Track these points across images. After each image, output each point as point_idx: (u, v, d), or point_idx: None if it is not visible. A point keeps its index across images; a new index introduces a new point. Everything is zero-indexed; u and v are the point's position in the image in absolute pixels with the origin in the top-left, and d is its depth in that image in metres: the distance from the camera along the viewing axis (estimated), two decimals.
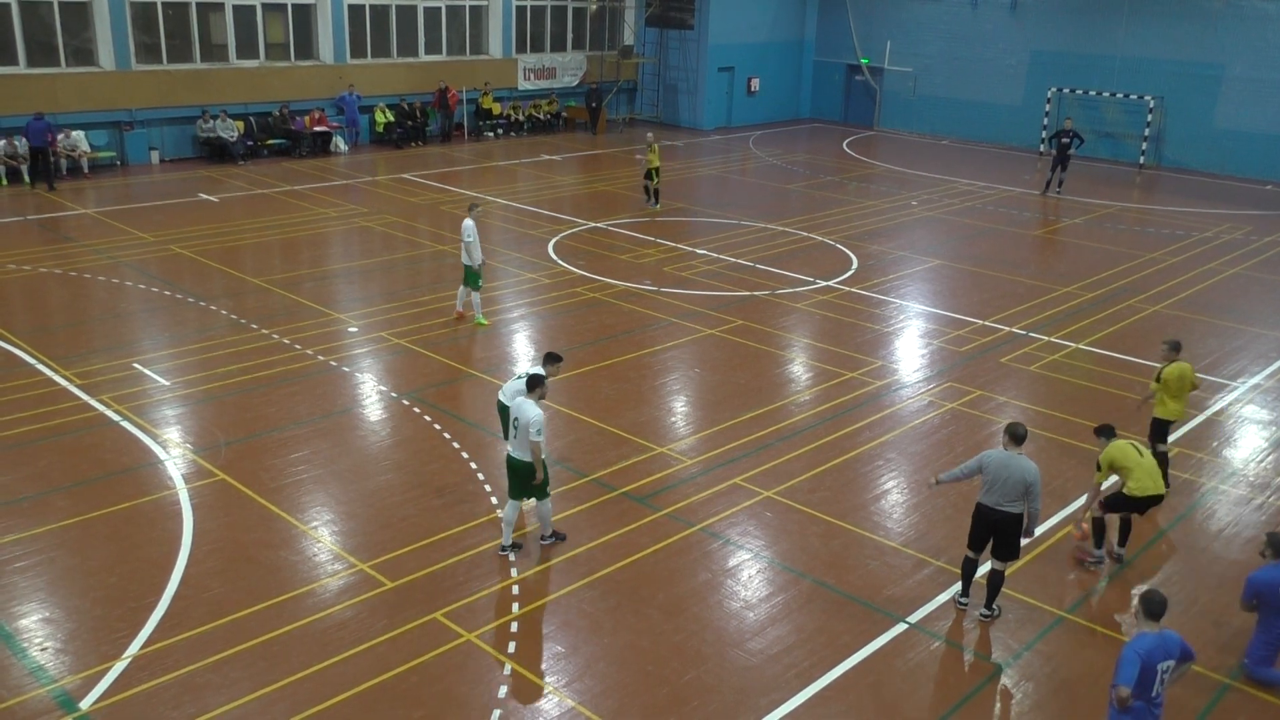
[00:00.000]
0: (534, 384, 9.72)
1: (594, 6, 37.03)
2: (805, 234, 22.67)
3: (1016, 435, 9.03)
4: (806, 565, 10.02)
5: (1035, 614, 9.41)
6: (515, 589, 9.40)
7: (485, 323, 16.17)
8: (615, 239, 21.61)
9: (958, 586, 9.55)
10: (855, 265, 20.26)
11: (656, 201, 24.35)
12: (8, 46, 24.89)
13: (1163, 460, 11.37)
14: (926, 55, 37.09)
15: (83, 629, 8.63)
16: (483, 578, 9.55)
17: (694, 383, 14.51)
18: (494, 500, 10.87)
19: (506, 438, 10.01)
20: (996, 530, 9.09)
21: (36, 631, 8.59)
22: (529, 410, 9.47)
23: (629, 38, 38.11)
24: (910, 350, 16.07)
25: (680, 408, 13.72)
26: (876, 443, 12.71)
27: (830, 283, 19.08)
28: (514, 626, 8.89)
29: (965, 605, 9.44)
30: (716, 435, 12.70)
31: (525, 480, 9.73)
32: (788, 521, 10.78)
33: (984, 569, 9.44)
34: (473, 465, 11.65)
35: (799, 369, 15.19)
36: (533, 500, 10.10)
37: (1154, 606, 6.82)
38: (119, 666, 8.15)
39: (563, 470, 11.64)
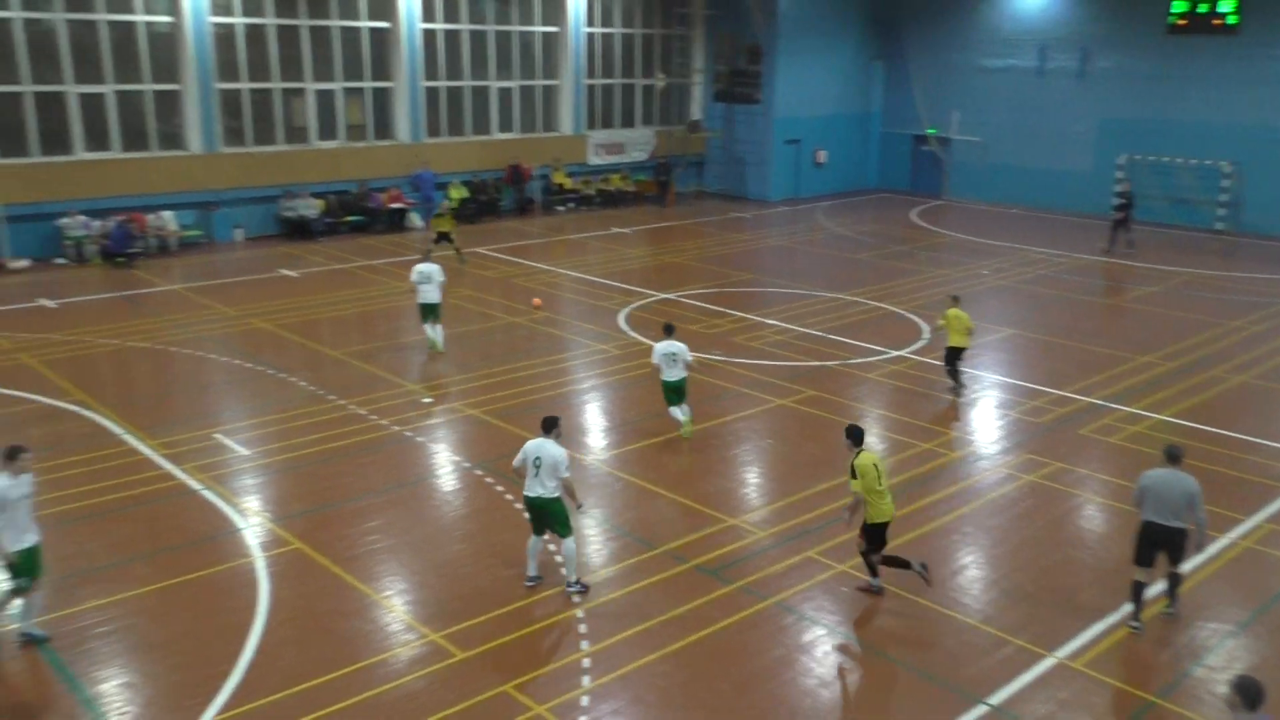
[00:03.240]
0: (552, 425, 10.42)
1: (662, 84, 37.74)
2: (875, 304, 22.55)
3: (1173, 455, 9.77)
4: (883, 642, 9.78)
5: (1123, 698, 9.05)
6: (586, 662, 9.31)
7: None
8: (685, 310, 21.72)
9: (1040, 667, 9.25)
10: (927, 335, 20.06)
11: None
12: (104, 133, 26.12)
13: None
14: (994, 124, 37.03)
15: (160, 695, 8.74)
16: (553, 650, 9.49)
17: (766, 454, 14.40)
18: (563, 572, 10.83)
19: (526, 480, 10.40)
20: (1165, 545, 9.73)
21: (116, 697, 8.72)
22: (553, 449, 10.20)
23: (696, 112, 38.71)
24: (985, 421, 15.79)
25: (752, 479, 13.61)
26: (953, 516, 12.44)
27: (902, 352, 18.90)
28: (584, 700, 8.80)
29: (1139, 629, 9.81)
30: (789, 507, 12.56)
31: (555, 516, 10.32)
32: (862, 597, 10.55)
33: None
34: (545, 537, 11.63)
35: (871, 440, 14.99)
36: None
37: (1251, 694, 6.48)
38: None
39: (633, 542, 11.58)
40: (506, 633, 9.72)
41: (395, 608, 10.21)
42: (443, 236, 25.31)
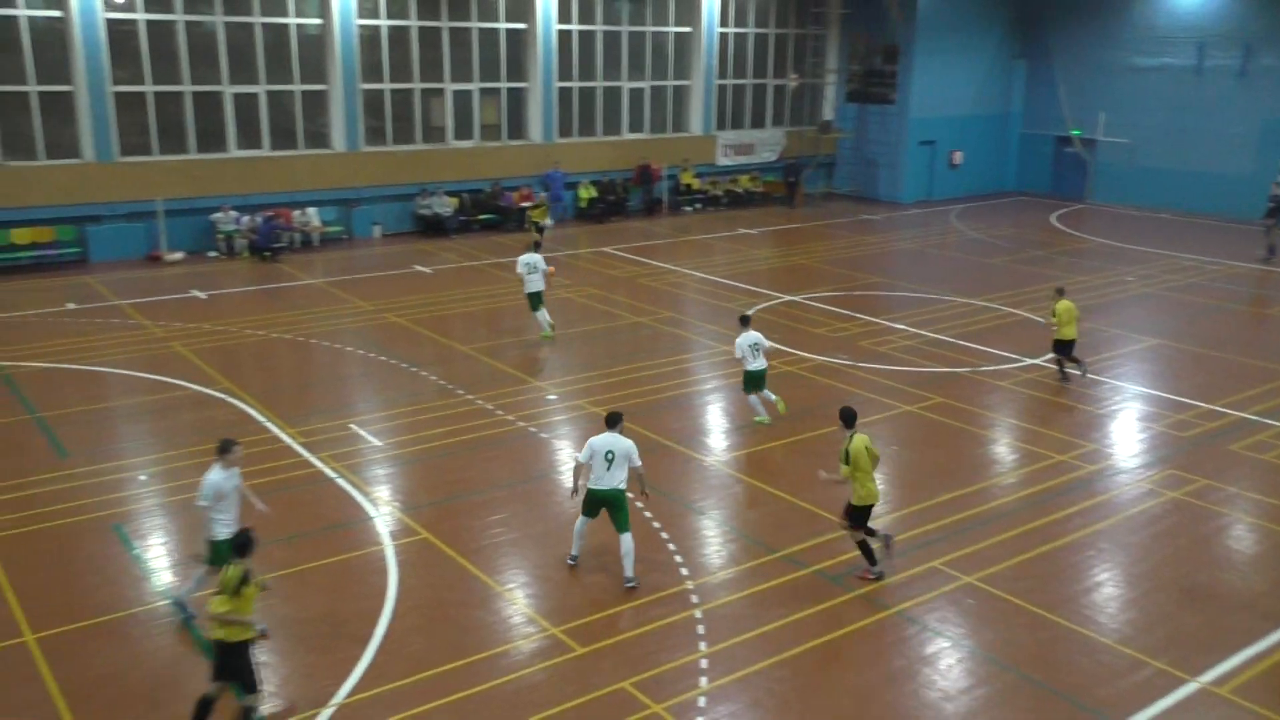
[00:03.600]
0: (616, 420, 10.76)
1: (794, 84, 37.41)
2: (1010, 310, 21.87)
3: None
4: (1010, 657, 9.48)
5: None
6: (704, 663, 9.30)
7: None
8: (811, 312, 21.48)
9: (1181, 691, 8.82)
10: None
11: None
12: (256, 132, 27.36)
13: None
14: (1145, 125, 35.45)
15: (295, 674, 9.09)
16: (672, 649, 9.50)
17: (891, 460, 14.13)
18: (684, 571, 10.85)
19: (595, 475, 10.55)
20: None
21: None
22: (624, 442, 10.58)
23: (828, 113, 38.25)
24: (1127, 434, 15.15)
25: (876, 485, 13.34)
26: (1089, 531, 11.97)
27: (1037, 360, 18.28)
28: (701, 701, 8.79)
29: None
30: (914, 515, 12.29)
31: (622, 508, 10.52)
32: (990, 610, 10.26)
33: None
34: (664, 535, 11.68)
35: (1003, 450, 14.56)
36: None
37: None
38: (325, 713, 8.53)
39: (753, 545, 11.52)
40: (625, 630, 9.79)
41: (518, 600, 10.39)
42: (537, 226, 26.40)
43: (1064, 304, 16.61)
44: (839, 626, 9.90)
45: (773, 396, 15.06)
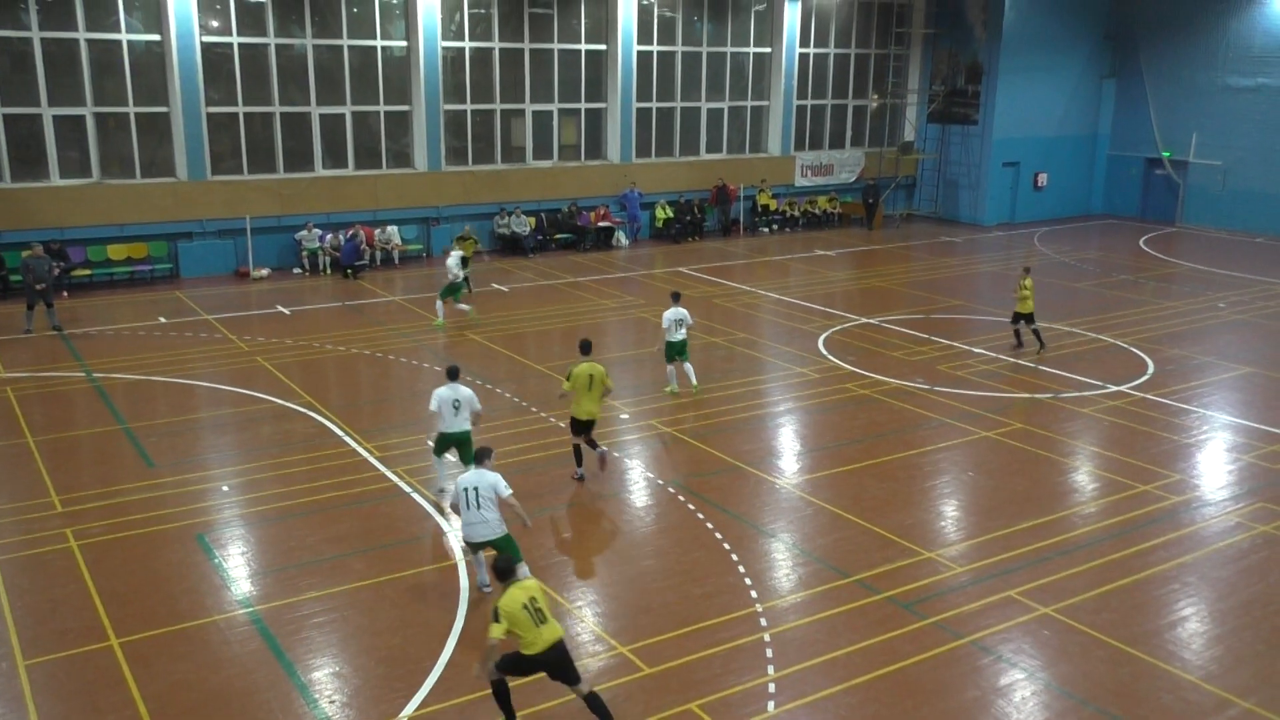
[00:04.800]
0: (455, 373, 12.82)
1: (875, 104, 37.14)
2: (1094, 335, 21.36)
3: None
4: (1089, 692, 9.21)
5: None
6: (771, 687, 9.21)
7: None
8: (888, 335, 21.23)
9: None
10: (1151, 370, 18.83)
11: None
12: (341, 152, 28.04)
13: None
14: (1238, 147, 34.44)
15: (366, 686, 9.23)
16: (739, 672, 9.43)
17: (967, 486, 13.88)
18: (754, 594, 10.77)
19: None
20: None
21: (327, 685, 9.28)
22: (465, 390, 12.63)
23: (909, 134, 37.87)
24: (1214, 465, 14.66)
25: (951, 512, 13.13)
26: (1173, 564, 11.60)
27: (1122, 388, 17.81)
28: None
29: None
30: (990, 544, 12.04)
31: (466, 443, 12.56)
32: (1068, 642, 9.98)
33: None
34: (734, 557, 11.61)
35: (1084, 478, 14.20)
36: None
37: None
38: None
39: (824, 569, 11.39)
40: (693, 651, 9.74)
41: (585, 618, 10.41)
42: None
43: (1029, 281, 19.73)
44: (911, 654, 9.73)
45: (691, 372, 17.05)
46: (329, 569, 11.18)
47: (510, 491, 10.14)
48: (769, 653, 9.73)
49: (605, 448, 13.94)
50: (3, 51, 23.74)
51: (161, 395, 17.10)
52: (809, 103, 35.93)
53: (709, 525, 12.42)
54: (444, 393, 12.48)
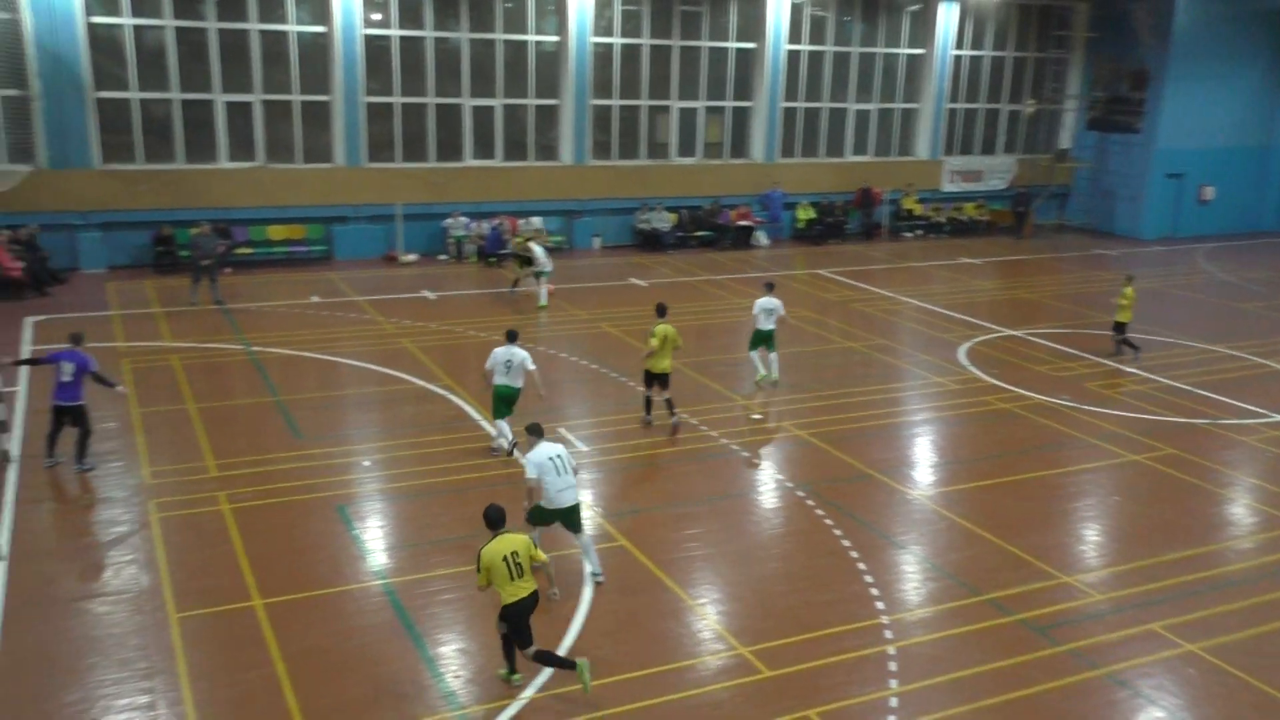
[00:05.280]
0: (515, 335, 14.07)
1: (1031, 110, 35.92)
2: (1260, 360, 20.18)
3: None
4: None
5: None
6: (894, 701, 9.03)
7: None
8: (1034, 349, 20.52)
9: None
10: None
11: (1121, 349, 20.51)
12: (490, 143, 28.71)
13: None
14: None
15: (490, 665, 9.41)
16: (862, 683, 9.27)
17: (1111, 511, 13.30)
18: (880, 605, 10.57)
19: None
20: None
21: (452, 660, 9.53)
22: (521, 351, 13.79)
23: (1065, 141, 36.49)
24: None
25: (1092, 536, 12.61)
26: None
27: None
28: None
29: None
30: (1133, 573, 11.51)
31: (515, 400, 13.92)
32: (1214, 683, 9.47)
33: None
34: (861, 566, 11.42)
35: (1240, 510, 13.44)
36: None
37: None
38: (514, 707, 8.81)
39: (955, 585, 11.10)
40: (814, 658, 9.63)
41: (708, 616, 10.40)
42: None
43: (1131, 290, 19.53)
44: (1042, 681, 9.39)
45: (774, 362, 17.28)
46: (459, 548, 11.45)
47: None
48: (893, 666, 9.54)
49: (681, 418, 15.27)
50: (183, 41, 25.12)
51: (311, 371, 17.84)
52: (960, 106, 34.99)
53: (836, 532, 12.25)
54: (500, 352, 13.82)
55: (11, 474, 13.04)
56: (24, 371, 16.27)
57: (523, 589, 8.69)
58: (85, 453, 13.24)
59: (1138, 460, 14.85)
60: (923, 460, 14.94)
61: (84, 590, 10.48)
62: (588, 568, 10.97)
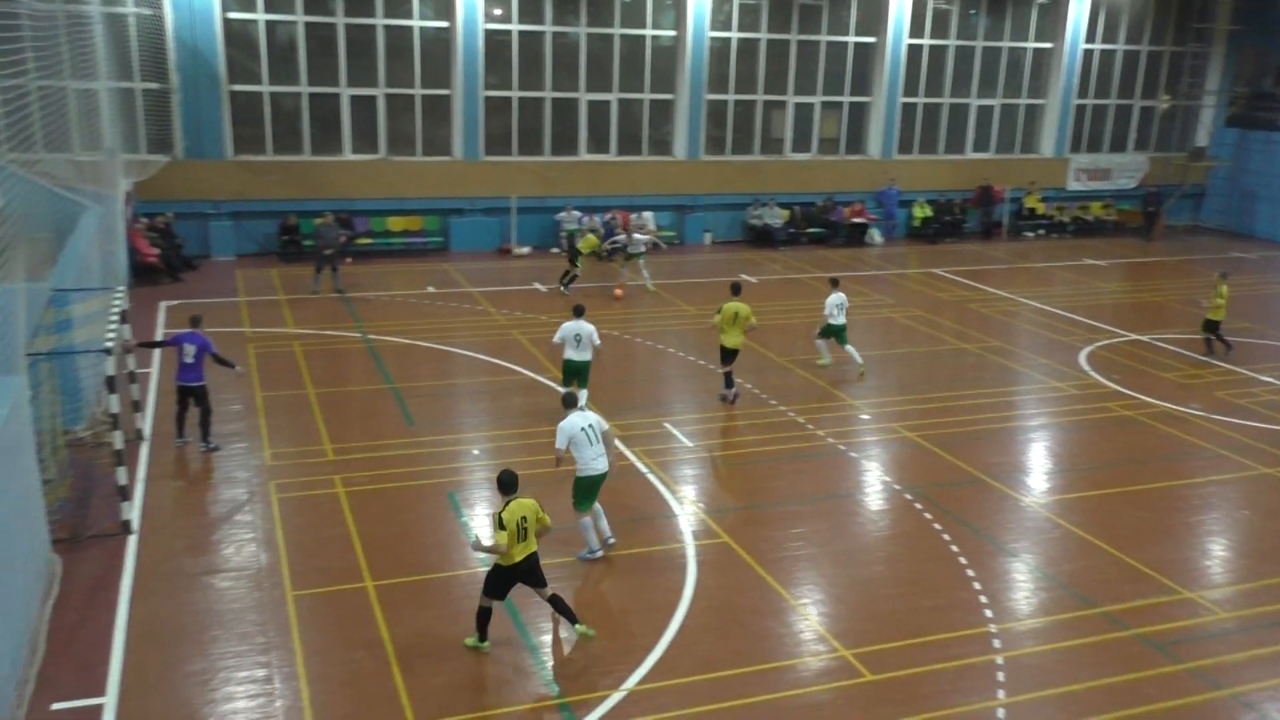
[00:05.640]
0: (581, 310, 14.87)
1: (1165, 106, 34.48)
2: None
3: None
4: None
5: None
6: (1000, 712, 8.80)
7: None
8: (1161, 355, 19.72)
9: None
10: None
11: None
12: (605, 137, 28.92)
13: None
14: None
15: (590, 657, 9.51)
16: (967, 692, 9.06)
17: (1240, 526, 12.70)
18: (988, 614, 10.31)
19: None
20: None
21: (555, 649, 9.64)
22: (588, 325, 14.73)
23: (1202, 138, 34.90)
24: None
25: (1218, 551, 12.06)
26: None
27: None
28: None
29: None
30: (1263, 591, 10.97)
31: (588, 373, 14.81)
32: None
33: None
34: (970, 573, 11.16)
35: None
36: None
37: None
38: (615, 697, 8.87)
39: (1068, 596, 10.75)
40: (919, 664, 9.45)
41: (810, 616, 10.30)
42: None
43: (1225, 288, 19.36)
44: (1160, 699, 9.03)
45: (854, 352, 17.85)
46: (565, 539, 11.56)
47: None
48: (1000, 676, 9.30)
49: (738, 391, 16.22)
50: (312, 36, 25.96)
51: (425, 359, 18.26)
52: (1090, 102, 33.78)
53: (945, 537, 11.98)
54: (569, 327, 14.64)
55: (143, 452, 13.69)
56: (155, 354, 17.06)
57: (524, 550, 9.30)
58: (209, 432, 13.82)
59: (1271, 473, 14.14)
60: (1037, 466, 14.50)
61: (207, 565, 10.94)
62: (606, 530, 11.37)
